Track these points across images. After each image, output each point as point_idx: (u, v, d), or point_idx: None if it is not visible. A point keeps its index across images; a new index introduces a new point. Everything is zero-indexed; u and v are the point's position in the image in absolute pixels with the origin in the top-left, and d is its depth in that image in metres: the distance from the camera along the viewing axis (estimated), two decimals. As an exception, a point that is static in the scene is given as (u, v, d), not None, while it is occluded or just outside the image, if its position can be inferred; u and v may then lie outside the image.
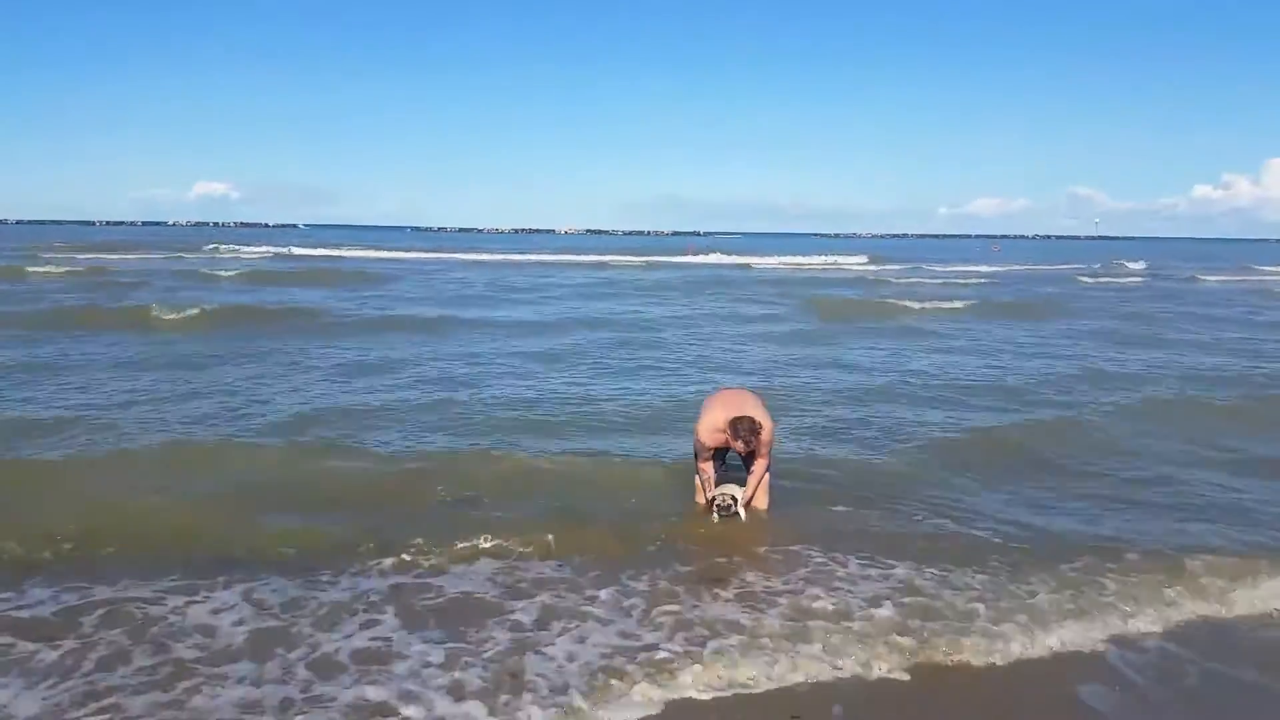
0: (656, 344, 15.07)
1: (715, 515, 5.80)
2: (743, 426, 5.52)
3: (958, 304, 23.30)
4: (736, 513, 5.80)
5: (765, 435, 5.64)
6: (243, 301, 20.27)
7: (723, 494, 5.82)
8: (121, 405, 9.28)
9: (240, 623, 4.38)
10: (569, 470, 7.09)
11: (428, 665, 4.02)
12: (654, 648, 4.21)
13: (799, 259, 52.88)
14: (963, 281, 35.08)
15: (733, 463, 6.22)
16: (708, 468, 5.93)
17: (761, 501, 6.01)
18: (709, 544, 5.59)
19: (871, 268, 46.59)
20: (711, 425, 5.71)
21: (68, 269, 30.16)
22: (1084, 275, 41.13)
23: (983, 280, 35.95)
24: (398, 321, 17.53)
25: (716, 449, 5.87)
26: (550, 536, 5.48)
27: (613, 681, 3.91)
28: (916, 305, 22.68)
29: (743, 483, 5.93)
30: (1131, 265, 51.11)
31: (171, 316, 16.92)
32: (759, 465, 5.83)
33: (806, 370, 12.51)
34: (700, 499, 6.07)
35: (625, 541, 5.53)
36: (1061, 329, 18.39)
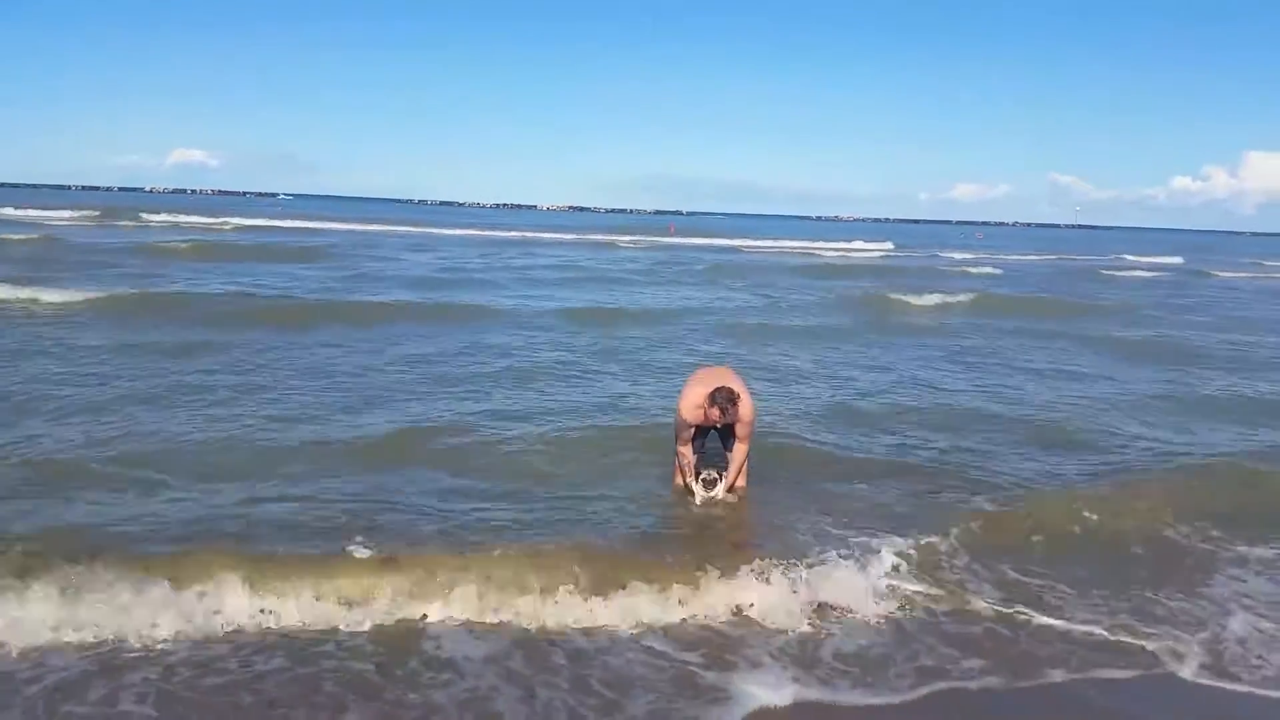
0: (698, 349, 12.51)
1: (699, 489, 5.83)
2: (721, 395, 5.48)
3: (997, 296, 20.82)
4: (717, 488, 5.82)
5: (745, 412, 5.62)
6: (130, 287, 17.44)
7: (708, 470, 5.87)
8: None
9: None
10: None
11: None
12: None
13: (819, 244, 50.32)
14: (992, 271, 32.66)
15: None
16: (687, 452, 5.91)
17: (741, 481, 6.04)
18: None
19: (897, 254, 44.18)
20: (693, 402, 5.62)
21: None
22: (1104, 268, 38.94)
23: (1007, 272, 33.45)
24: (360, 311, 14.86)
25: (698, 428, 5.80)
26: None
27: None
28: (949, 299, 20.18)
29: (723, 467, 5.95)
30: (1167, 260, 48.65)
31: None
32: (739, 450, 5.85)
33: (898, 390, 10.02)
34: (678, 480, 6.09)
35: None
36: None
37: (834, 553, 5.10)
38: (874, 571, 4.99)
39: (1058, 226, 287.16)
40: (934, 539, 5.46)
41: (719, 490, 5.84)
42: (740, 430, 5.74)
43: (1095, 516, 6.00)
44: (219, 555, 4.62)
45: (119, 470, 6.08)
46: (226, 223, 45.07)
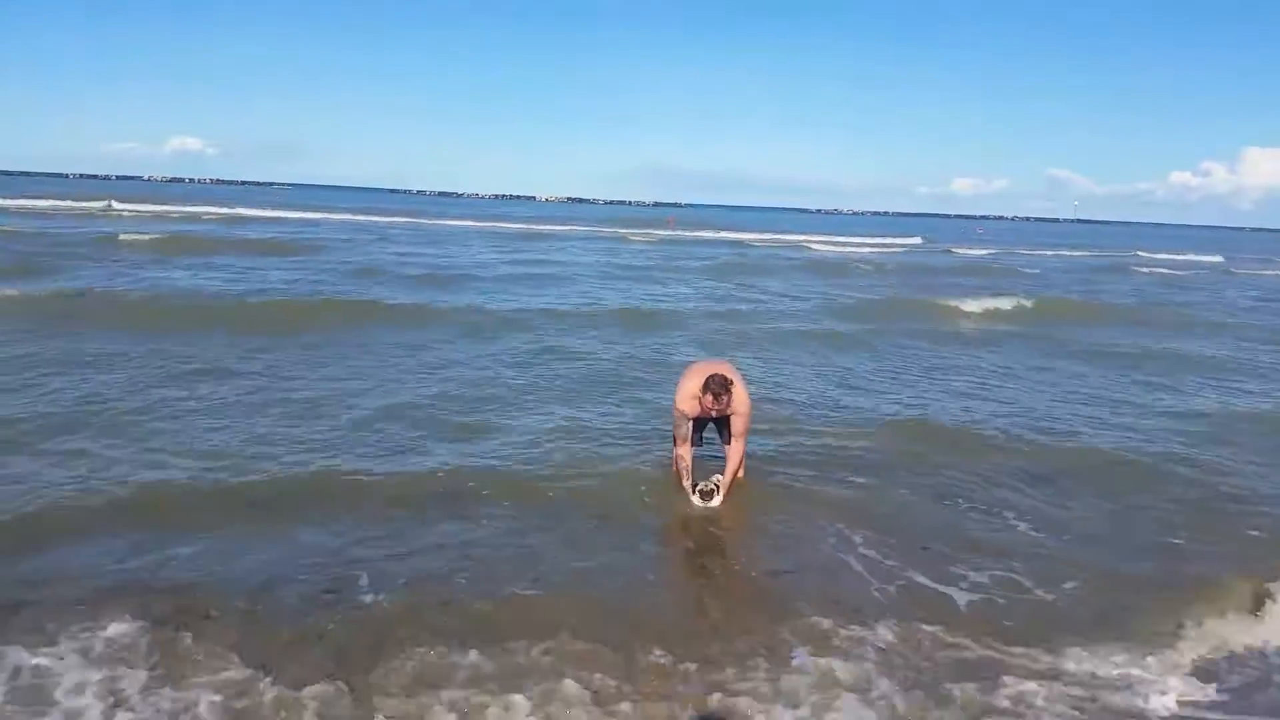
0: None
1: (697, 499, 5.72)
2: (715, 382, 5.45)
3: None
4: (716, 498, 5.71)
5: (740, 402, 5.61)
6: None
7: (705, 480, 5.80)
8: None
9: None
10: None
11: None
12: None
13: (843, 238, 48.77)
14: (1027, 270, 31.08)
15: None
16: (685, 453, 5.82)
17: (739, 474, 5.97)
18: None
19: (918, 251, 42.48)
20: (689, 393, 5.58)
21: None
22: (1135, 265, 37.49)
23: (1043, 271, 31.89)
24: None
25: (695, 420, 5.71)
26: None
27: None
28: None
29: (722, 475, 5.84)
30: (1205, 258, 46.84)
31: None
32: (737, 446, 5.79)
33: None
34: (675, 471, 5.97)
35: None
36: None
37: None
38: None
39: (1056, 221, 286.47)
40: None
41: (718, 500, 5.73)
42: (736, 424, 5.71)
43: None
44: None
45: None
46: (230, 213, 43.31)
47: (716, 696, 3.63)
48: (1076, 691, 3.78)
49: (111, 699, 3.43)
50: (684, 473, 5.85)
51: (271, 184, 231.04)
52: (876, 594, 4.62)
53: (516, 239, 37.85)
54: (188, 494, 5.48)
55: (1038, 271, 30.76)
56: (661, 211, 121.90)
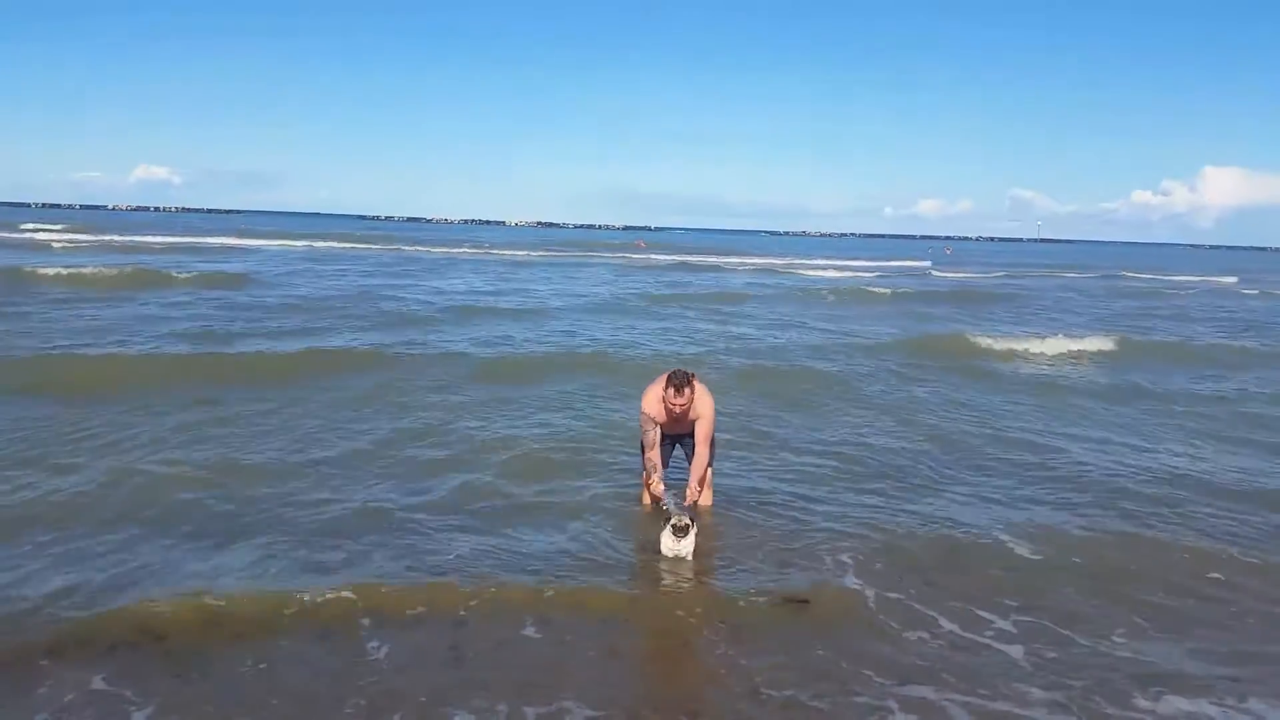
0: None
1: (668, 537, 5.16)
2: (676, 375, 5.41)
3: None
4: (689, 538, 5.13)
5: (703, 405, 5.50)
6: None
7: (679, 514, 5.26)
8: None
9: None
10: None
11: None
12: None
13: (849, 262, 46.94)
14: (1038, 299, 29.01)
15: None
16: (654, 455, 5.62)
17: (706, 499, 5.81)
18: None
19: (902, 277, 40.47)
20: (653, 396, 5.52)
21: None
22: (1162, 289, 35.67)
23: (1066, 297, 29.89)
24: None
25: (661, 426, 5.57)
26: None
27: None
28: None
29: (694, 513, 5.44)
30: (1220, 279, 44.80)
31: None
32: (700, 454, 5.58)
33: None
34: (645, 498, 5.89)
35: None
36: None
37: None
38: None
39: (1020, 241, 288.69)
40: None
41: (690, 543, 5.11)
42: (701, 429, 5.54)
43: None
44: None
45: None
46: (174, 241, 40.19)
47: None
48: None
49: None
50: (652, 473, 5.60)
51: (237, 211, 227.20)
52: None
53: (491, 265, 35.44)
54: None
55: (1053, 295, 28.82)
56: (630, 234, 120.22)
